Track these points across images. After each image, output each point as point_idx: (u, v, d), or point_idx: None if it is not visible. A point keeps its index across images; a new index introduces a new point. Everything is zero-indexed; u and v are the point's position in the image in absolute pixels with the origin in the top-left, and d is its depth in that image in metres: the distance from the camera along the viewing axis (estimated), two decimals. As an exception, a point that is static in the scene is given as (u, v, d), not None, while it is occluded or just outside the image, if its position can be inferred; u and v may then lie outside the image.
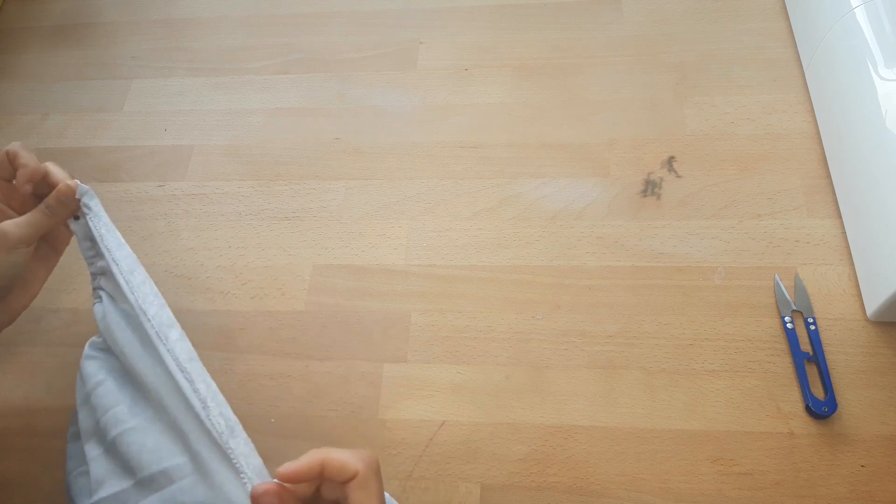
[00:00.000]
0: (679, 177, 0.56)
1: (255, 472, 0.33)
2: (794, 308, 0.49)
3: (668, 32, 0.64)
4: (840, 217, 0.52)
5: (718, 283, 0.51)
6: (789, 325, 0.49)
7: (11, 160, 0.44)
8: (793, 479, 0.44)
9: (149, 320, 0.39)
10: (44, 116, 0.68)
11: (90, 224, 0.44)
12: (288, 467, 0.30)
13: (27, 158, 0.43)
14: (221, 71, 0.69)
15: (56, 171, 0.44)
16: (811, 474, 0.44)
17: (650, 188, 0.56)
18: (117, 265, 0.42)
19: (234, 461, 0.34)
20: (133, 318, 0.42)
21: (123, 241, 0.43)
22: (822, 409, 0.45)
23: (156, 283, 0.43)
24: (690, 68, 0.62)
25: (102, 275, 0.45)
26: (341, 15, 0.71)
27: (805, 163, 0.55)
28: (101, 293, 0.45)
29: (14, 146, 0.44)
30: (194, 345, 0.38)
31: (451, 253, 0.55)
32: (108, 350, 0.45)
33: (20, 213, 0.44)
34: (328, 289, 0.55)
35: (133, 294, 0.40)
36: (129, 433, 0.40)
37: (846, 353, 0.48)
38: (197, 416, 0.36)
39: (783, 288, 0.50)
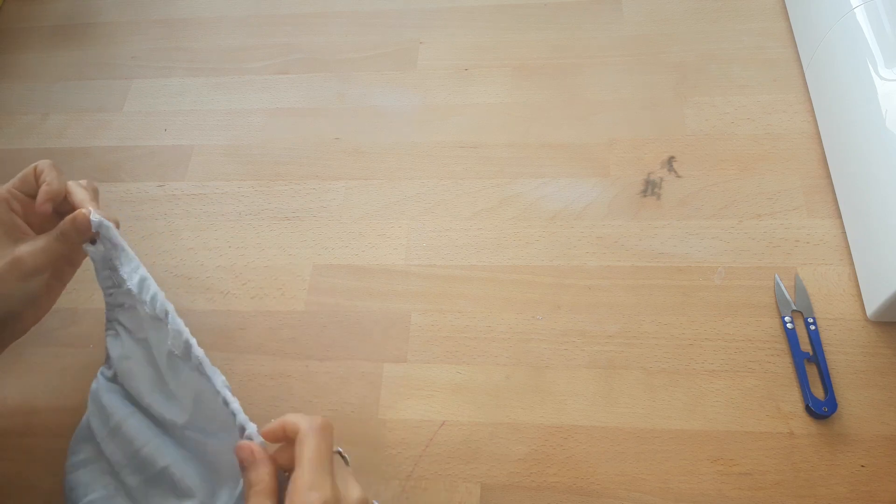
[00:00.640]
0: (679, 177, 0.56)
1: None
2: (794, 308, 0.49)
3: (668, 32, 0.64)
4: (840, 217, 0.52)
5: (718, 283, 0.51)
6: (789, 325, 0.49)
7: (37, 177, 0.43)
8: (793, 479, 0.44)
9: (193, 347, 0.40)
10: (44, 116, 0.68)
11: (109, 248, 0.43)
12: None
13: (52, 178, 0.43)
14: (221, 71, 0.69)
15: (77, 191, 0.44)
16: (811, 474, 0.44)
17: (650, 188, 0.56)
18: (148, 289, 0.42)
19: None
20: (149, 350, 0.42)
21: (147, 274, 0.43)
22: (822, 409, 0.45)
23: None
24: (690, 68, 0.62)
25: (119, 306, 0.44)
26: (341, 15, 0.71)
27: (805, 163, 0.55)
28: (118, 326, 0.44)
29: (43, 164, 0.43)
30: (194, 345, 0.39)
31: (451, 253, 0.55)
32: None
33: (38, 230, 0.44)
34: (328, 289, 0.55)
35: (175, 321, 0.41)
36: (180, 463, 0.41)
37: (846, 353, 0.48)
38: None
39: (783, 288, 0.50)
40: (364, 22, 0.70)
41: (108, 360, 0.46)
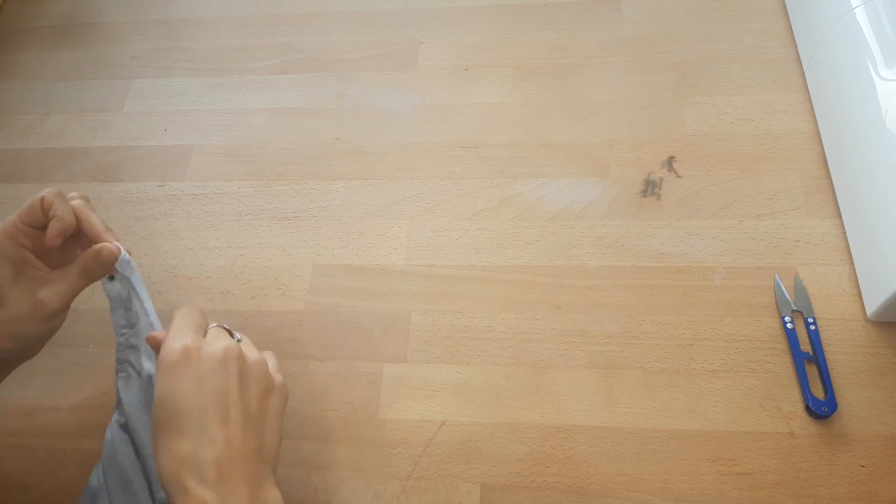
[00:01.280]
0: (679, 177, 0.56)
1: None
2: (794, 308, 0.49)
3: (668, 32, 0.64)
4: (840, 217, 0.52)
5: (718, 283, 0.51)
6: (789, 325, 0.49)
7: (45, 209, 0.41)
8: (793, 479, 0.44)
9: None
10: (44, 116, 0.68)
11: (128, 287, 0.42)
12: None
13: (63, 210, 0.40)
14: (221, 71, 0.69)
15: (89, 218, 0.42)
16: (811, 474, 0.44)
17: (650, 188, 0.56)
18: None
19: None
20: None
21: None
22: (822, 409, 0.45)
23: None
24: (690, 68, 0.62)
25: (132, 348, 0.43)
26: (341, 15, 0.71)
27: (805, 163, 0.55)
28: (130, 368, 0.43)
29: (50, 195, 0.41)
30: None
31: (451, 253, 0.55)
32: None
33: (48, 261, 0.42)
34: (328, 289, 0.55)
35: None
36: None
37: (846, 353, 0.48)
38: None
39: (783, 288, 0.50)
40: (364, 22, 0.70)
41: (118, 404, 0.43)
